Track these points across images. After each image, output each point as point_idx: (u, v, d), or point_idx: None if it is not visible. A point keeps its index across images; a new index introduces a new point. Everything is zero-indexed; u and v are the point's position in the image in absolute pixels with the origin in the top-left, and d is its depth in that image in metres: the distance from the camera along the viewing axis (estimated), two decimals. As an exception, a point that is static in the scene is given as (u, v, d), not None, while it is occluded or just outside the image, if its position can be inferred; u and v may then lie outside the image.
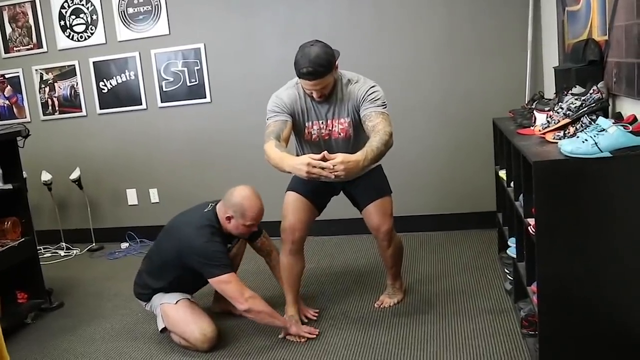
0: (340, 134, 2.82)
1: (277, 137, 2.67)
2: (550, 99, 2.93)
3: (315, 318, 3.08)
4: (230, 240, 3.02)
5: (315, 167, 2.42)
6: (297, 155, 2.91)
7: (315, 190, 2.98)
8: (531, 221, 2.25)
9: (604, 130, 2.02)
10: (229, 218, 2.84)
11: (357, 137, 2.82)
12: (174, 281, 2.94)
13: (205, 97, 4.59)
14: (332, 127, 2.82)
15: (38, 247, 3.75)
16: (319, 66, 2.57)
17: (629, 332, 2.09)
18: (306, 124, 2.83)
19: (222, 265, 2.77)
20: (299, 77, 2.66)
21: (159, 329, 2.97)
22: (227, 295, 2.81)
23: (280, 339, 2.90)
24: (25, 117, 4.94)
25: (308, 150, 2.84)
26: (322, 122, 2.82)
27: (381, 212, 2.97)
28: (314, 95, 2.71)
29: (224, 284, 2.77)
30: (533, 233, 2.20)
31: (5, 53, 4.91)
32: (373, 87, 2.77)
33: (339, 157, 2.43)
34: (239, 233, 2.94)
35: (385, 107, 2.75)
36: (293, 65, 2.63)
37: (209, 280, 2.79)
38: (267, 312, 2.81)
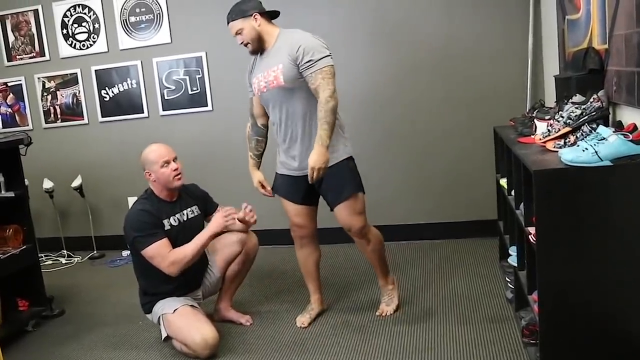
0: (274, 82, 2.84)
1: (251, 114, 3.15)
2: (550, 108, 2.94)
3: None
4: (179, 208, 3.08)
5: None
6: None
7: (299, 192, 3.01)
8: (532, 230, 2.25)
9: (604, 139, 2.03)
10: (149, 174, 2.98)
11: (292, 86, 2.81)
12: (155, 275, 2.91)
13: (206, 105, 4.61)
14: (268, 78, 2.87)
15: (39, 255, 3.75)
16: (230, 12, 2.84)
17: (630, 340, 2.08)
18: (254, 81, 2.97)
19: (146, 235, 2.86)
20: None
21: (162, 338, 2.96)
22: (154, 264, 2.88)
23: (282, 348, 2.90)
24: (28, 125, 4.96)
25: (269, 114, 3.02)
26: (262, 74, 2.91)
27: (349, 212, 2.93)
28: (243, 45, 2.90)
29: (150, 258, 2.87)
30: (534, 241, 2.20)
31: (8, 61, 4.93)
32: (306, 39, 2.80)
33: (309, 164, 2.72)
34: (167, 180, 2.99)
35: (323, 59, 2.75)
36: None
37: (141, 253, 2.87)
38: (189, 258, 2.86)
